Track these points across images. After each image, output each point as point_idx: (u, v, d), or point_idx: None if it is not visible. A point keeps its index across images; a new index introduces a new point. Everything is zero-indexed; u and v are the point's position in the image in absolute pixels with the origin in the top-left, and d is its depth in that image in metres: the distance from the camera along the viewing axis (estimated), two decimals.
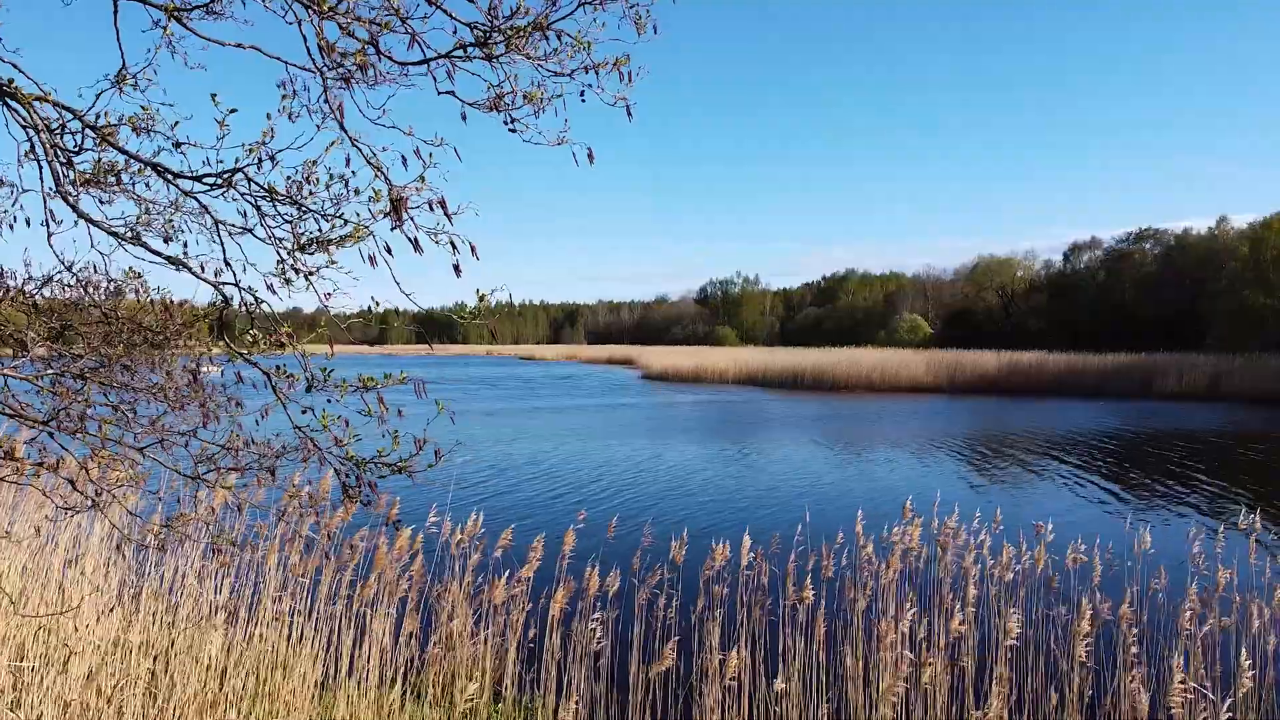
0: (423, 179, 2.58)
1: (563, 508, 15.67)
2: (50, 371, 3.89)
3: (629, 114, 3.71)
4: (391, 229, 2.56)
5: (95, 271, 3.64)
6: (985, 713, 5.25)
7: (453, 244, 2.58)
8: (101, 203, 3.39)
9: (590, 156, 3.54)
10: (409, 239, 2.55)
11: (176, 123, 3.11)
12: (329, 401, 3.19)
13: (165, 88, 3.16)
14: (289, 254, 3.04)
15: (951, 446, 25.57)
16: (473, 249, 2.64)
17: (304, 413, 3.32)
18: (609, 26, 3.30)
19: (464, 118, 3.43)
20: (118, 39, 3.09)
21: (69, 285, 3.82)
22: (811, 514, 8.84)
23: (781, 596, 6.91)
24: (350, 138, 2.56)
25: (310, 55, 2.42)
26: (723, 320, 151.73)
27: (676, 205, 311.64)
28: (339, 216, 2.91)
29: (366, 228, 2.77)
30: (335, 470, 3.32)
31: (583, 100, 3.44)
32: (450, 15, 3.04)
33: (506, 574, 7.07)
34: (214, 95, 2.99)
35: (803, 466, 21.43)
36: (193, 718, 5.74)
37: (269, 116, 3.10)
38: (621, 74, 3.08)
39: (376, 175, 2.55)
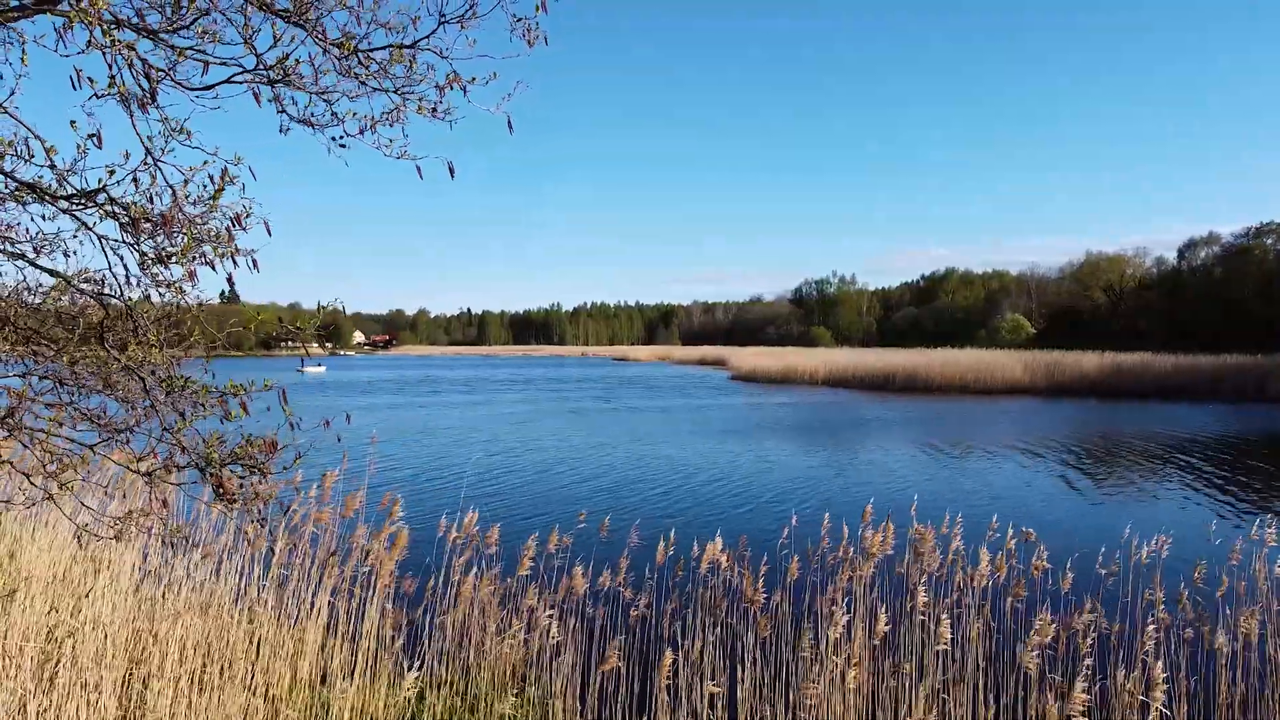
0: (215, 196, 2.75)
1: (550, 506, 15.84)
2: (13, 374, 4.25)
3: (509, 127, 3.84)
4: (161, 246, 2.74)
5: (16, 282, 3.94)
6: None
7: (233, 259, 2.75)
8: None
9: (450, 170, 3.66)
10: (160, 256, 2.73)
11: (51, 147, 3.36)
12: (186, 409, 3.40)
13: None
14: (146, 264, 3.26)
15: (1023, 450, 24.72)
16: (254, 262, 2.80)
17: (180, 416, 3.55)
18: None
19: (361, 132, 3.62)
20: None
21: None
22: (799, 517, 8.73)
23: (740, 600, 6.89)
24: (154, 158, 2.75)
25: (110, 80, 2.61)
26: (818, 320, 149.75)
27: (774, 204, 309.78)
28: (183, 232, 3.11)
29: (197, 243, 2.96)
30: (200, 470, 3.53)
31: (435, 115, 3.58)
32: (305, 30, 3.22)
33: (497, 569, 7.24)
34: (73, 122, 3.22)
35: (848, 470, 21.10)
36: (186, 697, 6.06)
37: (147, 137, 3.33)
38: (444, 88, 3.20)
39: (170, 193, 2.72)
